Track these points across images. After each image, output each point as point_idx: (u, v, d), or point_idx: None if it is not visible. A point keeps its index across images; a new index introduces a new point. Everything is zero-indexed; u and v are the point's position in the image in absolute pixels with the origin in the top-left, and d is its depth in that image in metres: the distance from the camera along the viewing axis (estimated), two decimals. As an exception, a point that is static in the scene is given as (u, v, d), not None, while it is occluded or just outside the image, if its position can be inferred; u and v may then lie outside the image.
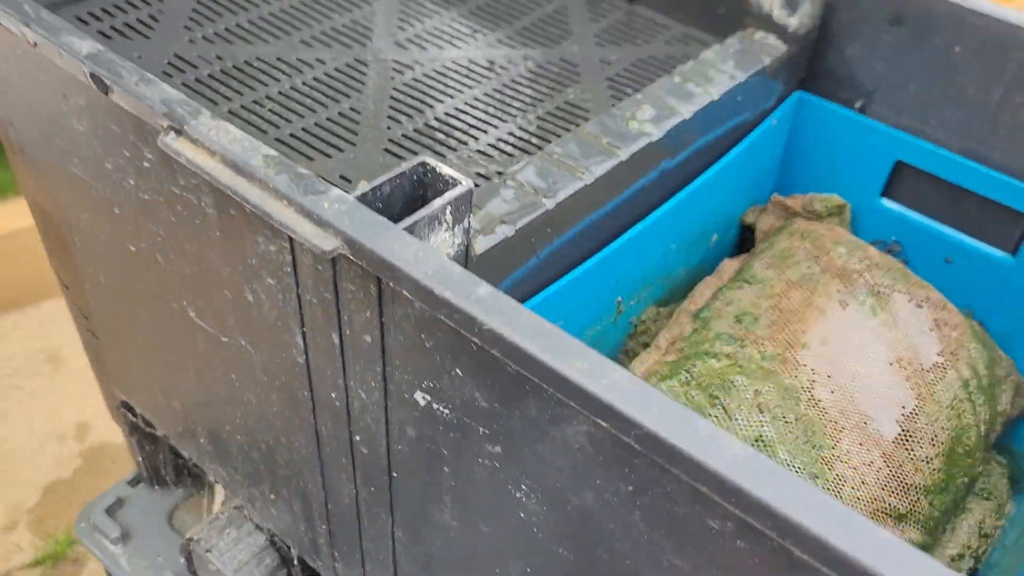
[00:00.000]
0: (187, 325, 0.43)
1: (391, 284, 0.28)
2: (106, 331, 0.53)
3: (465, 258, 0.33)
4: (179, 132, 0.31)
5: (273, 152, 0.30)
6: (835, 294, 0.44)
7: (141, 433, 0.59)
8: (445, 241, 0.32)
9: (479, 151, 0.44)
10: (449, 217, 0.31)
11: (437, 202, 0.30)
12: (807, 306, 0.43)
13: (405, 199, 0.32)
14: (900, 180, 0.51)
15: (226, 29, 0.50)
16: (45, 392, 1.06)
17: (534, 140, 0.45)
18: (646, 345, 0.46)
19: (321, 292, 0.32)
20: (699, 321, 0.44)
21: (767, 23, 0.48)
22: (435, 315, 0.27)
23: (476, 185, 0.41)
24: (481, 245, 0.34)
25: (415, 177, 0.32)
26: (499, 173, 0.43)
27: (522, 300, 0.38)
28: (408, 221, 0.29)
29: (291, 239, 0.31)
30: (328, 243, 0.28)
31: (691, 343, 0.43)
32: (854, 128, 0.51)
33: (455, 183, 0.31)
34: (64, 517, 0.96)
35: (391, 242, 0.28)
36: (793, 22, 0.47)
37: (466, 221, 0.32)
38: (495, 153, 0.44)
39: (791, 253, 0.46)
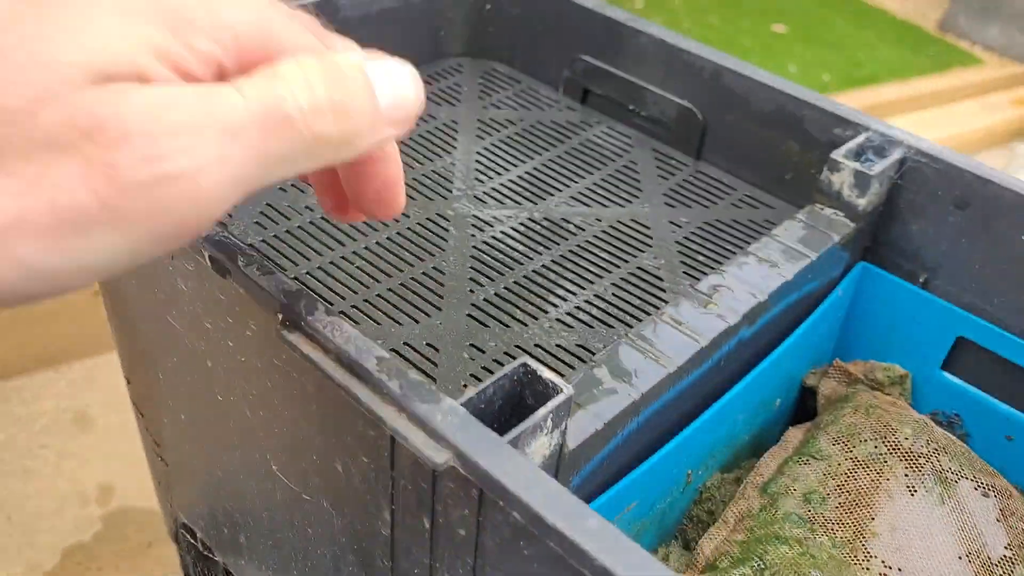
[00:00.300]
0: (267, 474, 0.44)
1: (497, 500, 0.29)
2: (178, 461, 0.54)
3: (559, 457, 0.34)
4: (295, 326, 0.33)
5: (386, 354, 0.32)
6: (903, 478, 0.44)
7: (197, 554, 0.60)
8: (543, 444, 0.33)
9: (558, 320, 0.46)
10: (549, 423, 0.32)
11: (540, 412, 0.32)
12: (875, 489, 0.44)
13: (506, 399, 0.33)
14: (961, 355, 0.52)
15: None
16: (71, 452, 1.06)
17: (611, 311, 0.46)
18: (711, 512, 0.47)
19: (418, 482, 0.33)
20: (767, 497, 0.45)
21: (836, 200, 0.50)
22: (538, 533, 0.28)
23: (563, 377, 0.42)
24: (573, 440, 0.35)
25: (515, 378, 0.33)
26: (580, 347, 0.44)
27: (602, 484, 0.39)
28: (513, 433, 0.31)
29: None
30: (440, 456, 0.30)
31: (760, 522, 0.43)
32: (916, 301, 0.52)
33: (556, 390, 0.32)
34: None
35: (500, 459, 0.29)
36: (862, 202, 0.49)
37: (564, 424, 0.33)
38: (574, 323, 0.45)
39: (857, 430, 0.47)
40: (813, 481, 0.45)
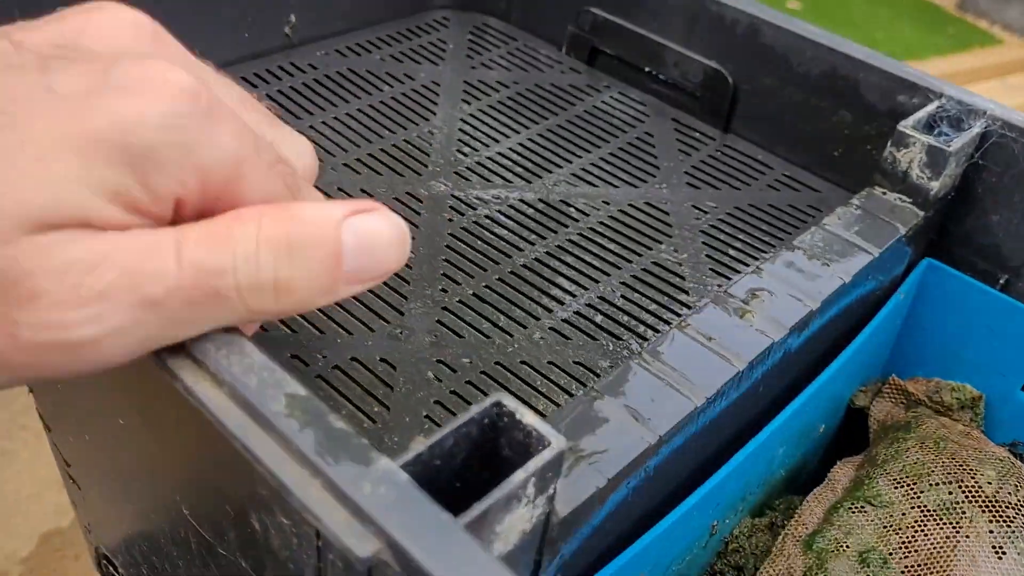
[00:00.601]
0: (180, 519, 0.35)
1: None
2: (89, 485, 0.45)
3: (544, 530, 0.25)
4: (178, 347, 0.24)
5: (302, 391, 0.23)
6: (986, 536, 0.35)
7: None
8: (521, 518, 0.23)
9: (553, 329, 0.36)
10: (531, 490, 0.23)
11: (517, 476, 0.22)
12: (952, 548, 0.35)
13: (472, 451, 0.24)
14: (1049, 374, 0.42)
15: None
16: (51, 435, 0.98)
17: (619, 318, 0.37)
18: (738, 569, 0.38)
19: (349, 569, 0.24)
20: (812, 555, 0.36)
21: (902, 182, 0.40)
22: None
23: (532, 407, 0.33)
24: (565, 504, 0.26)
25: (486, 421, 0.24)
26: (579, 364, 0.35)
27: (601, 553, 0.29)
28: (474, 512, 0.21)
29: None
30: (364, 546, 0.20)
31: (805, 590, 0.34)
32: (994, 307, 0.42)
33: (541, 443, 0.23)
34: (57, 570, 0.89)
35: (448, 554, 0.20)
36: (935, 185, 0.39)
37: (552, 488, 0.24)
38: (572, 333, 0.36)
39: (926, 469, 0.38)
40: (871, 536, 0.36)
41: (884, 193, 0.41)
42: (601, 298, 0.38)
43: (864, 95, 0.44)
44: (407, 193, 0.42)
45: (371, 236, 0.23)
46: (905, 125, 0.40)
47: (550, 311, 0.37)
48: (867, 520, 0.37)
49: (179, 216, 0.22)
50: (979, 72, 1.96)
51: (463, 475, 0.25)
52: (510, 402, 0.24)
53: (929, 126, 0.41)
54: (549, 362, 0.34)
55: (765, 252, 0.42)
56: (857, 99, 0.44)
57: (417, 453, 0.22)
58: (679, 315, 0.38)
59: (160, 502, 0.36)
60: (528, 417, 0.23)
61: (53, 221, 0.20)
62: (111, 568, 0.50)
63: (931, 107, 0.41)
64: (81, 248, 0.20)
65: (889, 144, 0.40)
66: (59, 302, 0.19)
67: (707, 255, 0.41)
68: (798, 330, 0.34)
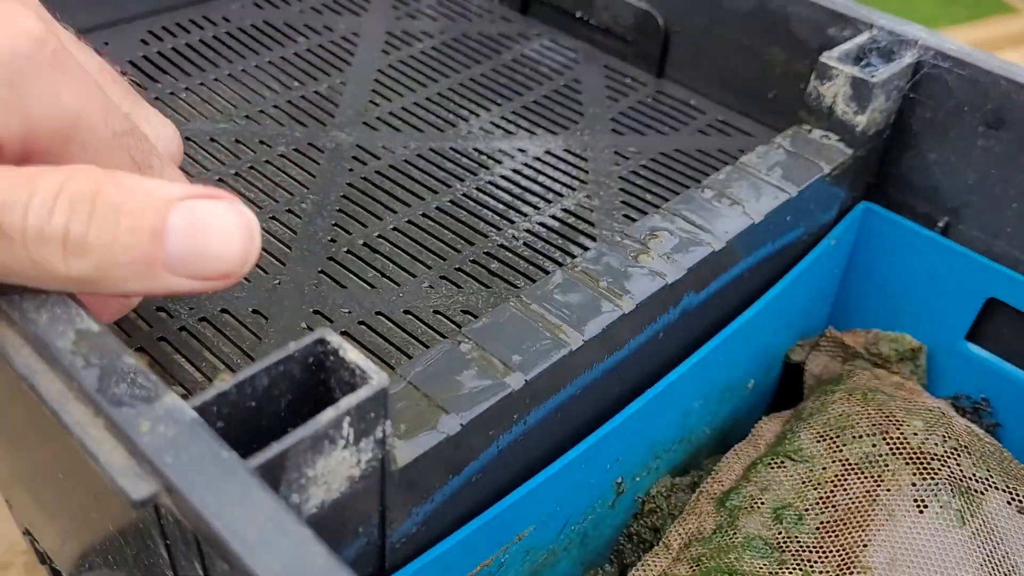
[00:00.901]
0: (53, 480, 0.33)
1: (220, 562, 0.18)
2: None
3: (381, 475, 0.23)
4: (-28, 283, 0.22)
5: (95, 327, 0.21)
6: (908, 488, 0.33)
7: (49, 566, 0.49)
8: (342, 462, 0.21)
9: (444, 277, 0.34)
10: (348, 432, 0.21)
11: (325, 415, 0.20)
12: (871, 503, 0.33)
13: (297, 390, 0.22)
14: (992, 321, 0.40)
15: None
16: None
17: (517, 265, 0.35)
18: (656, 530, 0.36)
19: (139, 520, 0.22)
20: (724, 512, 0.34)
21: (828, 119, 0.38)
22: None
23: (407, 356, 0.31)
24: (407, 453, 0.24)
25: (311, 360, 0.22)
26: (467, 312, 0.33)
27: (475, 507, 0.27)
28: (268, 453, 0.19)
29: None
30: (139, 487, 0.18)
31: (713, 548, 0.32)
32: (934, 252, 0.40)
33: (362, 378, 0.21)
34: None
35: (226, 495, 0.18)
36: (862, 120, 0.37)
37: (380, 430, 0.22)
38: (465, 281, 0.34)
39: (850, 422, 0.35)
40: (788, 491, 0.34)
41: (810, 131, 0.38)
42: (501, 246, 0.36)
43: (794, 30, 0.42)
44: (308, 144, 0.40)
45: (207, 223, 0.21)
46: (829, 56, 0.37)
47: (444, 259, 0.35)
48: (786, 475, 0.34)
49: None
50: (996, 42, 1.92)
51: (295, 421, 0.23)
52: (334, 339, 0.22)
53: (857, 58, 0.38)
54: (434, 311, 0.32)
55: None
56: (787, 35, 0.42)
57: (220, 391, 0.20)
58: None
59: (33, 461, 0.34)
60: (351, 354, 0.21)
61: None
62: (35, 543, 0.48)
63: (860, 39, 0.39)
64: None
65: (812, 77, 0.37)
66: None
67: (622, 201, 0.39)
68: (700, 272, 0.32)
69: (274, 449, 0.19)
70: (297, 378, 0.22)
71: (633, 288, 0.30)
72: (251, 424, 0.21)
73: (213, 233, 0.21)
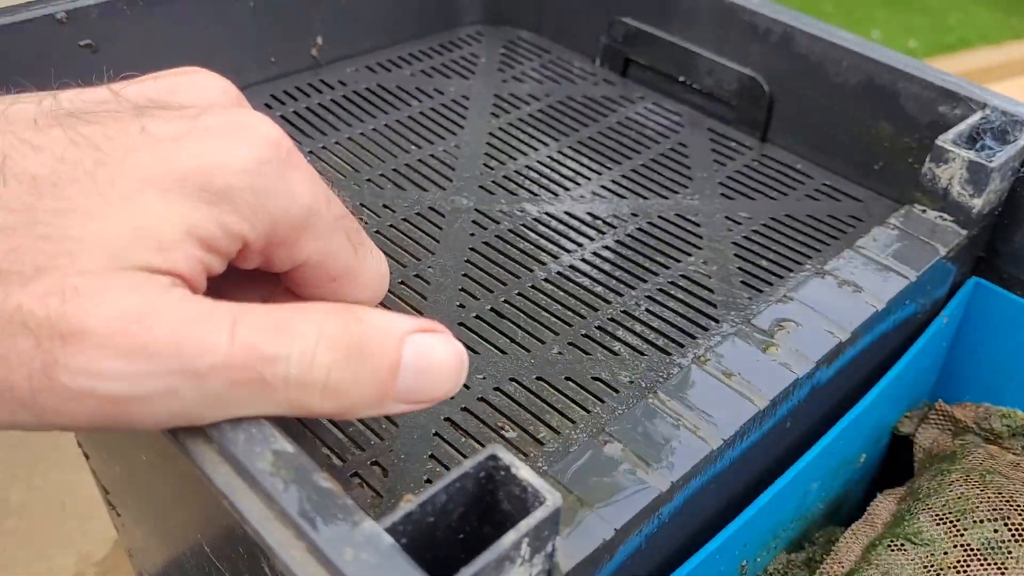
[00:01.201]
0: (202, 554, 0.35)
1: None
2: (125, 513, 0.45)
3: (546, 584, 0.24)
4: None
5: (290, 448, 0.22)
6: (1032, 578, 0.33)
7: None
8: (517, 577, 0.23)
9: (571, 344, 0.35)
10: (526, 550, 0.22)
11: (508, 538, 0.21)
12: (993, 592, 0.33)
13: (470, 505, 0.23)
14: (1108, 399, 0.40)
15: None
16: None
17: (644, 331, 0.36)
18: (770, 605, 0.36)
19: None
20: (845, 595, 0.34)
21: (943, 200, 0.38)
22: None
23: (546, 425, 0.32)
24: (569, 560, 0.25)
25: (481, 475, 0.23)
26: (597, 380, 0.34)
27: (618, 599, 0.28)
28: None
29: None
30: (345, 617, 0.20)
31: (835, 634, 0.33)
32: (1048, 328, 0.40)
33: (537, 499, 0.22)
34: (129, 573, 0.91)
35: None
36: (978, 203, 0.37)
37: (551, 545, 0.23)
38: (592, 348, 0.35)
39: (970, 505, 0.36)
40: (909, 576, 0.34)
41: (924, 211, 0.39)
42: (625, 312, 0.37)
43: (903, 106, 0.42)
44: (429, 208, 0.41)
45: (430, 358, 0.23)
46: (944, 139, 0.38)
47: (570, 325, 0.36)
48: (907, 559, 0.35)
49: (240, 258, 0.23)
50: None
51: (463, 529, 0.24)
52: (505, 455, 0.23)
53: (972, 139, 0.38)
54: (566, 377, 0.34)
55: (801, 264, 0.40)
56: (896, 110, 0.42)
57: (407, 512, 0.22)
58: (705, 329, 0.36)
59: (184, 536, 0.36)
60: (523, 472, 0.23)
61: (125, 262, 0.20)
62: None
63: (973, 119, 0.39)
64: (138, 295, 0.20)
65: (928, 160, 0.38)
66: (101, 345, 0.19)
67: (738, 267, 0.40)
68: (826, 363, 0.32)
69: (466, 573, 0.21)
70: (470, 492, 0.23)
71: (763, 384, 0.30)
72: (428, 537, 0.23)
73: (435, 368, 0.23)
